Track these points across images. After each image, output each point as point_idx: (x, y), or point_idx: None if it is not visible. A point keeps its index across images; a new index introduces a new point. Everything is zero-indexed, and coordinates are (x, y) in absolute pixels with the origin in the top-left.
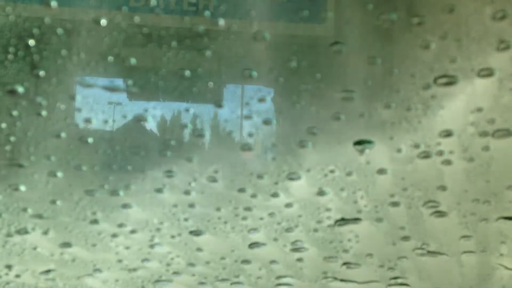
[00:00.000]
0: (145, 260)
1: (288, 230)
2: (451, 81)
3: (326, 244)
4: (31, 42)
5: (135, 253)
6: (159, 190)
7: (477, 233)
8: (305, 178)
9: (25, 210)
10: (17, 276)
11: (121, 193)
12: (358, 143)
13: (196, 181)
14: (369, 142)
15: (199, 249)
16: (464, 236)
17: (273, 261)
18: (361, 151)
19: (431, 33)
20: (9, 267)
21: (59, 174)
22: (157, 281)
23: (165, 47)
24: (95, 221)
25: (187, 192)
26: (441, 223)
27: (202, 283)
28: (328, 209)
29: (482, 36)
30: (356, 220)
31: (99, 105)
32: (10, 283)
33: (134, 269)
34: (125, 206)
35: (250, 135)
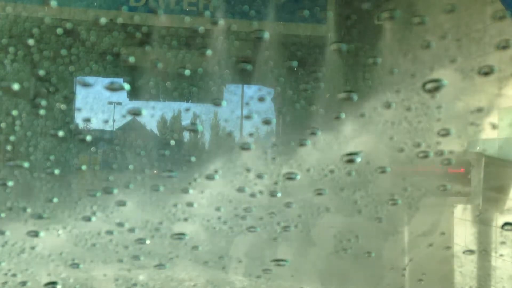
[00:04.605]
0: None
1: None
2: (438, 86)
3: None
4: (31, 42)
5: (132, 252)
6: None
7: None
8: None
9: (24, 209)
10: (14, 275)
11: (120, 192)
12: (347, 155)
13: (195, 181)
14: (356, 153)
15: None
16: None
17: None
18: (351, 162)
19: (431, 33)
20: (9, 267)
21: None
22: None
23: (165, 46)
24: (93, 220)
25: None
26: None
27: None
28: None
29: (482, 36)
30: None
31: (99, 104)
32: (8, 282)
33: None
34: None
35: (250, 134)
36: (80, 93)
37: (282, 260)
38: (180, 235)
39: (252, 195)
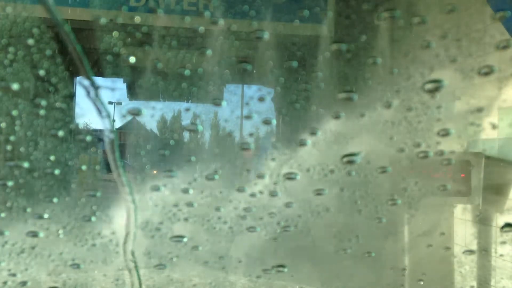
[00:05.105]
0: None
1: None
2: (438, 86)
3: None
4: (31, 42)
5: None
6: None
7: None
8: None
9: (24, 209)
10: (14, 275)
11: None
12: (347, 155)
13: (195, 181)
14: (356, 154)
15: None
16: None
17: None
18: (350, 163)
19: (431, 33)
20: (9, 267)
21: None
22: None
23: (165, 46)
24: (93, 220)
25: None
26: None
27: None
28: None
29: (482, 36)
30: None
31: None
32: (8, 282)
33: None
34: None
35: (250, 134)
36: (80, 93)
37: (281, 266)
38: (179, 238)
39: (252, 195)
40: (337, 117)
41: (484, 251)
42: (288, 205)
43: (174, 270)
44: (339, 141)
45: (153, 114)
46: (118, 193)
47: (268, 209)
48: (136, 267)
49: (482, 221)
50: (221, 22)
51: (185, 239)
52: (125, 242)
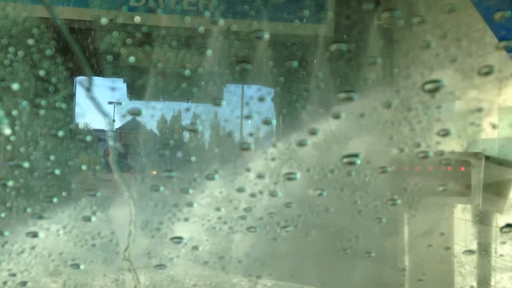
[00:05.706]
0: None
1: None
2: (438, 86)
3: None
4: (31, 42)
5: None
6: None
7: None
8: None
9: (24, 209)
10: (14, 275)
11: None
12: (347, 156)
13: (195, 181)
14: (356, 155)
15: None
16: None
17: None
18: (350, 164)
19: (431, 33)
20: (9, 267)
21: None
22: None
23: (165, 46)
24: (93, 220)
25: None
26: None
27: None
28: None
29: (482, 36)
30: None
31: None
32: (8, 282)
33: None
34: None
35: (250, 134)
36: (80, 93)
37: None
38: (179, 239)
39: (252, 195)
40: (337, 117)
41: (484, 251)
42: (288, 205)
43: (174, 270)
44: (339, 141)
45: (153, 114)
46: (118, 193)
47: (268, 209)
48: (133, 267)
49: (482, 221)
50: (221, 22)
51: (184, 241)
52: (128, 246)
